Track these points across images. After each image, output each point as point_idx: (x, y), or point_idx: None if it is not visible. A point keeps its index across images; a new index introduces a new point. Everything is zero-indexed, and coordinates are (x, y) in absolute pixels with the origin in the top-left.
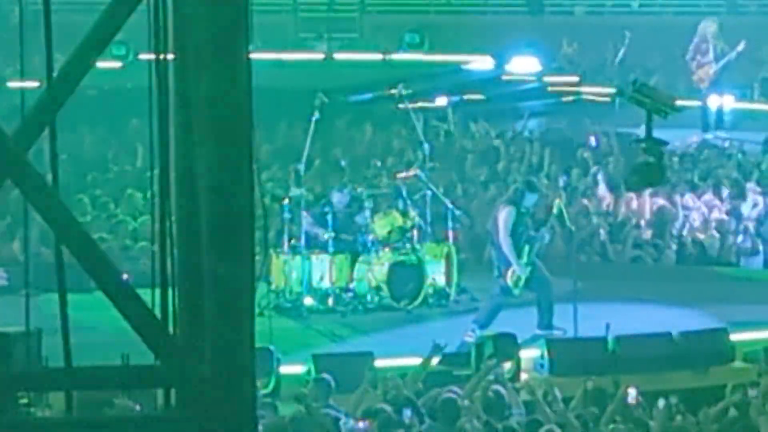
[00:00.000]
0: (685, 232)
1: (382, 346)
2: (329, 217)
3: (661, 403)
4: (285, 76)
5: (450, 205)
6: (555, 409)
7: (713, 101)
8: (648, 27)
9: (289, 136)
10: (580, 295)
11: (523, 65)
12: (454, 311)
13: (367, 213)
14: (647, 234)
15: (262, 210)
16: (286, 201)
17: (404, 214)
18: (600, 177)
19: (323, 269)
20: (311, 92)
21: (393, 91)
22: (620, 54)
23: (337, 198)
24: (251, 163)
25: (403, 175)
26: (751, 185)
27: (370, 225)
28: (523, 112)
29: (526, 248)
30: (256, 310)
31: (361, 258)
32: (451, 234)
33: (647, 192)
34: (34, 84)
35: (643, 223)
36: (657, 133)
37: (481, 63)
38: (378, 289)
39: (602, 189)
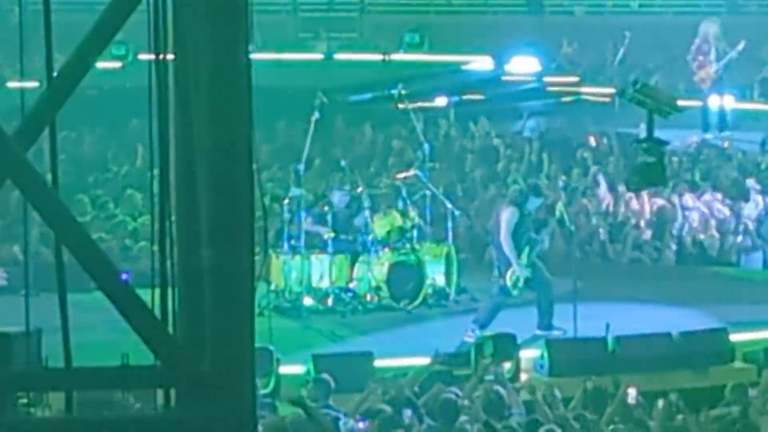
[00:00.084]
0: (684, 232)
1: (382, 346)
2: (329, 217)
3: (660, 403)
4: (285, 76)
5: (450, 205)
6: (555, 410)
7: (714, 101)
8: (648, 27)
9: (289, 136)
10: (580, 295)
11: (523, 65)
12: (453, 311)
13: (367, 213)
14: (647, 234)
15: (262, 210)
16: (286, 201)
17: (404, 214)
18: (600, 177)
19: (323, 269)
20: (311, 92)
21: (393, 91)
22: (620, 54)
23: (337, 198)
24: (251, 163)
25: (403, 175)
26: (751, 185)
27: (370, 225)
28: (523, 112)
29: (526, 249)
30: (256, 310)
31: (360, 258)
32: (450, 234)
33: (647, 192)
34: (34, 84)
35: (642, 223)
36: (657, 133)
37: (481, 63)
38: (378, 289)
39: (603, 189)
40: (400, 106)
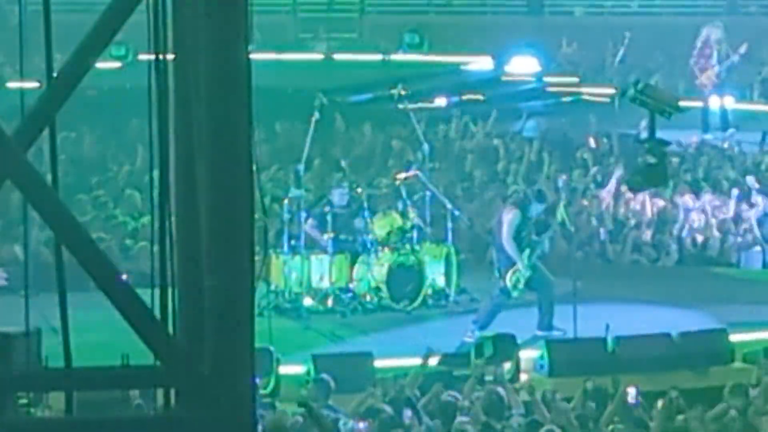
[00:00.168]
0: (685, 233)
1: (382, 346)
2: (329, 217)
3: (660, 402)
4: (285, 76)
5: (450, 206)
6: (554, 410)
7: (714, 102)
8: (648, 27)
9: (289, 136)
10: (580, 295)
11: (523, 65)
12: (453, 312)
13: (367, 214)
14: (647, 234)
15: (262, 210)
16: (286, 201)
17: (404, 214)
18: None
19: (323, 270)
20: (311, 92)
21: (393, 91)
22: (620, 54)
23: (337, 196)
24: (251, 163)
25: (402, 175)
26: (751, 183)
27: (370, 226)
28: (523, 112)
29: (527, 252)
30: (256, 310)
31: (360, 258)
32: (450, 234)
33: (647, 192)
34: (34, 84)
35: (643, 223)
36: (657, 134)
37: (480, 63)
38: (377, 289)
39: (607, 189)
40: (400, 106)
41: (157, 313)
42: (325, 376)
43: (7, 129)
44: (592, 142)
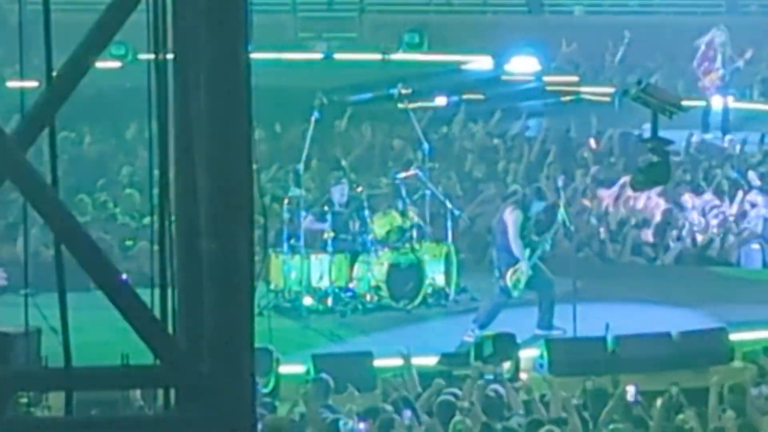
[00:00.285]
0: (685, 232)
1: (382, 346)
2: (329, 216)
3: (659, 401)
4: (285, 76)
5: (450, 205)
6: (554, 409)
7: (716, 102)
8: (648, 27)
9: (289, 136)
10: (580, 295)
11: (523, 65)
12: (453, 311)
13: (367, 213)
14: (647, 234)
15: (262, 210)
16: (286, 201)
17: (404, 214)
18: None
19: (322, 269)
20: (311, 92)
21: (393, 91)
22: (620, 54)
23: (338, 194)
24: (251, 163)
25: (402, 175)
26: (751, 178)
27: (370, 225)
28: (523, 112)
29: (527, 252)
30: (256, 310)
31: (360, 258)
32: (450, 234)
33: (647, 192)
34: (34, 84)
35: (643, 222)
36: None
37: (480, 63)
38: (377, 288)
39: (609, 192)
40: (400, 105)
41: (157, 313)
42: (324, 375)
43: (7, 129)
44: (592, 144)
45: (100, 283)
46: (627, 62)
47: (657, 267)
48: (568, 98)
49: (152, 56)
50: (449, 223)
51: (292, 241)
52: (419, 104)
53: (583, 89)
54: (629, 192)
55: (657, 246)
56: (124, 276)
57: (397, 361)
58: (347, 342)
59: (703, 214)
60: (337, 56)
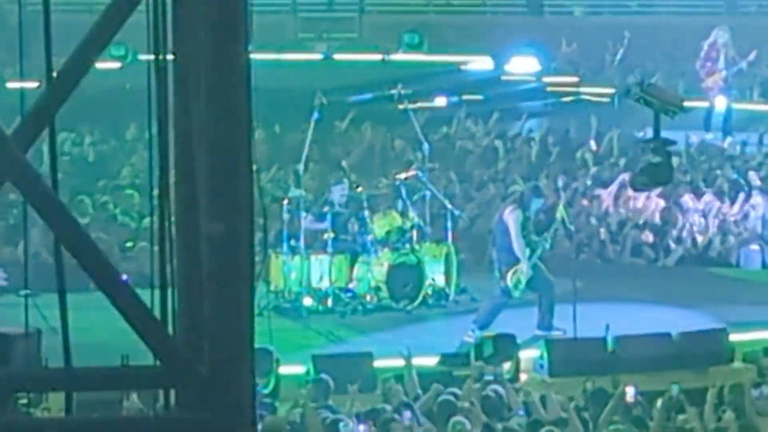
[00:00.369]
0: (685, 233)
1: (382, 346)
2: (329, 217)
3: (659, 401)
4: (285, 76)
5: (450, 205)
6: (554, 410)
7: (720, 103)
8: (647, 27)
9: (289, 136)
10: (580, 295)
11: (523, 65)
12: (453, 311)
13: (367, 213)
14: (647, 234)
15: (262, 211)
16: (286, 202)
17: (403, 214)
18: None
19: (322, 270)
20: (311, 92)
21: (393, 91)
22: (619, 54)
23: (337, 194)
24: (251, 163)
25: (402, 175)
26: (752, 178)
27: (370, 225)
28: (523, 112)
29: (527, 251)
30: (256, 311)
31: (360, 258)
32: (450, 234)
33: (647, 193)
34: (34, 84)
35: (643, 223)
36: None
37: (480, 63)
38: (377, 289)
39: (608, 191)
40: (400, 106)
41: (157, 313)
42: (324, 376)
43: (7, 129)
44: (593, 146)
45: (100, 283)
46: (627, 62)
47: (657, 267)
48: (568, 99)
49: (152, 57)
50: (449, 224)
51: (292, 242)
52: (419, 104)
53: (583, 90)
54: (629, 192)
55: (657, 247)
56: (124, 276)
57: (398, 362)
58: (347, 342)
59: (703, 215)
60: (337, 56)
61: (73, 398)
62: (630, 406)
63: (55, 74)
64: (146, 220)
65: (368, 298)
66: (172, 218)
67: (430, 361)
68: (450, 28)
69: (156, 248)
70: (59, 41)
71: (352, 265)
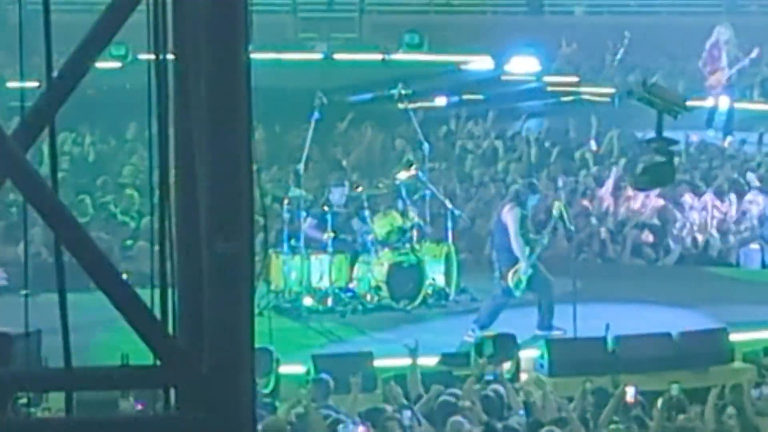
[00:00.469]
0: (685, 232)
1: (382, 346)
2: (329, 217)
3: (660, 401)
4: (285, 76)
5: (450, 205)
6: (554, 410)
7: (723, 102)
8: (648, 27)
9: (289, 136)
10: (580, 295)
11: (523, 65)
12: (453, 311)
13: (367, 213)
14: (647, 234)
15: (262, 210)
16: (286, 201)
17: (404, 214)
18: (612, 176)
19: (323, 269)
20: (311, 92)
21: (393, 91)
22: (620, 54)
23: (337, 195)
24: (251, 163)
25: (402, 175)
26: (751, 179)
27: (370, 225)
28: (523, 112)
29: (527, 250)
30: (256, 310)
31: (360, 258)
32: (450, 234)
33: (647, 192)
34: (34, 84)
35: (643, 223)
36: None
37: (480, 63)
38: (377, 289)
39: (605, 188)
40: (400, 106)
41: (157, 313)
42: (324, 375)
43: (7, 129)
44: (593, 146)
45: (100, 283)
46: (627, 62)
47: (657, 267)
48: (568, 99)
49: (152, 56)
50: (449, 223)
51: (293, 242)
52: (419, 104)
53: (583, 89)
54: (629, 192)
55: (657, 246)
56: (124, 276)
57: (398, 361)
58: (347, 342)
59: (703, 214)
60: (337, 56)
61: (73, 398)
62: (630, 406)
63: (55, 74)
64: (146, 220)
65: (368, 297)
66: (172, 218)
67: (431, 361)
68: (450, 28)
69: (156, 248)
70: (59, 41)
71: (352, 265)
